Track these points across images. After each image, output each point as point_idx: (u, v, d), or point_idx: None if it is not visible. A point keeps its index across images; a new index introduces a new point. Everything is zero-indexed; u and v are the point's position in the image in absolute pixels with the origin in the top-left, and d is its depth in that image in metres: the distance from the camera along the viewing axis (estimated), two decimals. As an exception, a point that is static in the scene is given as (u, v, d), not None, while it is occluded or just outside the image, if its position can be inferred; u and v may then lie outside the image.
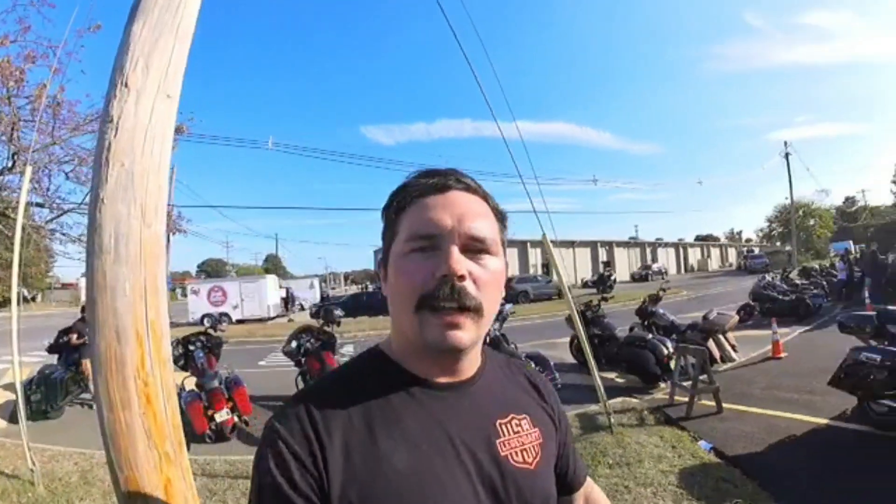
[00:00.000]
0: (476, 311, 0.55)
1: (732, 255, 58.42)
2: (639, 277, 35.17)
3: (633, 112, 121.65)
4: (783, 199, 40.09)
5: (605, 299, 7.69)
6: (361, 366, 0.64)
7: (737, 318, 7.78)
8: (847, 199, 50.81)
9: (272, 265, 54.34)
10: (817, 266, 17.80)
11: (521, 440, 0.62)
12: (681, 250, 51.80)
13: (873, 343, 4.02)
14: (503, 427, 0.62)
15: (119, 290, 1.12)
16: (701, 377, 4.79)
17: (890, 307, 4.35)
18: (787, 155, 31.63)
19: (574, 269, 38.01)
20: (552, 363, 5.40)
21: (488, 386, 0.65)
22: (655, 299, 7.75)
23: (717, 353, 6.58)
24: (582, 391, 5.61)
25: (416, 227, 0.58)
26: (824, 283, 13.74)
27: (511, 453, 0.60)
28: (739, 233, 72.41)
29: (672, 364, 5.73)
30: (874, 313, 4.25)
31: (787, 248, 38.78)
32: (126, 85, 1.20)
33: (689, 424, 4.36)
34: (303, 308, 24.96)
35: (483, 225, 0.59)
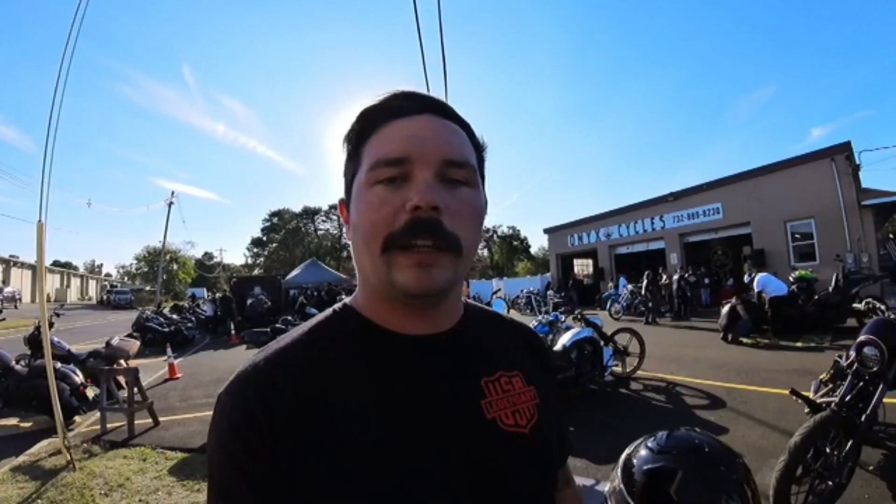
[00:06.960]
0: (454, 248, 0.49)
1: (93, 287, 54.45)
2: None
3: (25, 92, 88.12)
4: (156, 241, 42.89)
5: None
6: (326, 323, 0.56)
7: (138, 343, 8.35)
8: (206, 253, 60.86)
9: None
10: (186, 304, 20.77)
11: (511, 400, 0.55)
12: (39, 275, 41.63)
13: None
14: (490, 386, 0.54)
15: None
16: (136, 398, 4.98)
17: (255, 329, 6.66)
18: (170, 204, 34.69)
19: None
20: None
21: (471, 340, 0.58)
22: (49, 325, 6.84)
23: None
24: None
25: (382, 152, 0.50)
26: (194, 318, 16.47)
27: (500, 415, 0.53)
28: (100, 266, 69.64)
29: (89, 393, 5.68)
30: (269, 329, 6.38)
31: (149, 287, 41.04)
32: None
33: (136, 442, 4.39)
34: None
35: (461, 151, 0.52)
